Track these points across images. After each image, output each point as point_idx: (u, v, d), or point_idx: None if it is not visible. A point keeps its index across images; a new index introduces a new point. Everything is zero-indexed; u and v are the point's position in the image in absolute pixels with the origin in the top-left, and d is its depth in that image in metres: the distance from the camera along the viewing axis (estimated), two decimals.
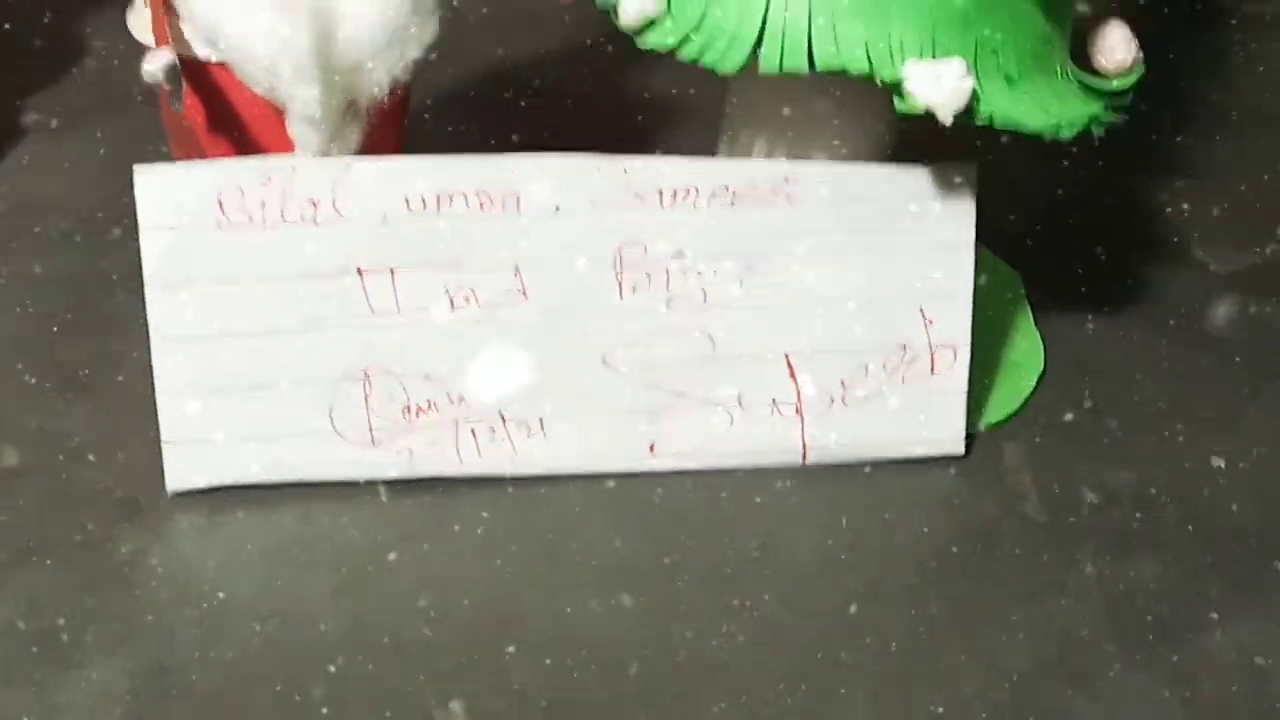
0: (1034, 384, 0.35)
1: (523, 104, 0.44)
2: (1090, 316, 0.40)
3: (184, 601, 0.27)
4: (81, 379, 0.33)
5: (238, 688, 0.26)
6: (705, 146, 0.34)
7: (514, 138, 0.39)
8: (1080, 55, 0.31)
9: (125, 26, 0.56)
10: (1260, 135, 0.55)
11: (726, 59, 0.27)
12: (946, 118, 0.27)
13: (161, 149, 0.43)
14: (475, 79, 0.45)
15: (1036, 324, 0.38)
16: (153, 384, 0.30)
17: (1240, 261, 0.45)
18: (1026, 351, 0.36)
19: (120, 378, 0.33)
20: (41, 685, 0.26)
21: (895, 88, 0.27)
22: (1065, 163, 0.47)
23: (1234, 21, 0.72)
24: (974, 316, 0.31)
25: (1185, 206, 0.48)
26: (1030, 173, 0.43)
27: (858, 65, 0.27)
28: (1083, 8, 0.31)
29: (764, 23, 0.27)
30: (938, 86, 0.26)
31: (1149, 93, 0.56)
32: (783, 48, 0.27)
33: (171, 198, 0.27)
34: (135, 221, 0.39)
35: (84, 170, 0.45)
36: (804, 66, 0.27)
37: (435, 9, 0.31)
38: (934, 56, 0.27)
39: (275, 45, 0.29)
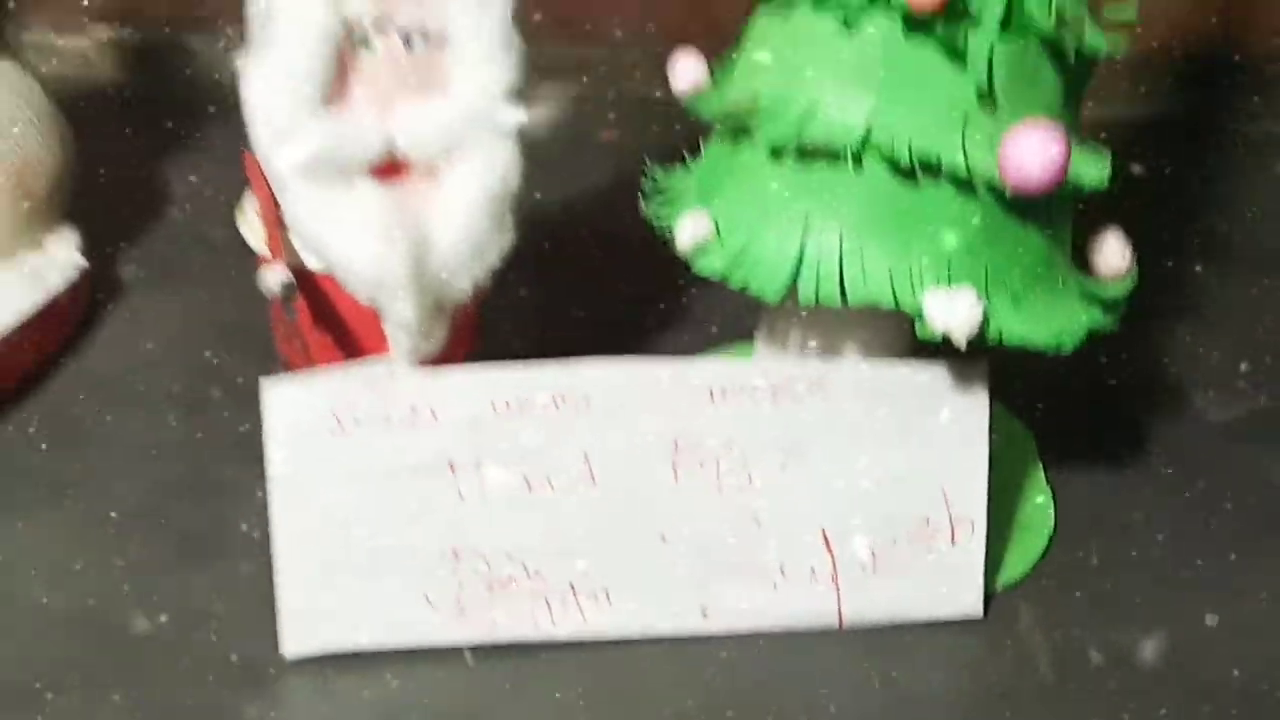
0: (1046, 543, 0.39)
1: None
2: (1097, 471, 0.43)
3: None
4: (197, 547, 0.37)
5: None
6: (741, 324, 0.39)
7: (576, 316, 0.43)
8: (1080, 259, 0.36)
9: (206, 174, 0.61)
10: (1263, 273, 0.59)
11: (768, 289, 0.31)
12: (961, 342, 0.31)
13: (245, 305, 0.47)
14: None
15: (1048, 480, 0.42)
16: (266, 551, 0.34)
17: (1240, 408, 0.48)
18: (1038, 511, 0.40)
19: (234, 544, 0.37)
20: None
21: (916, 315, 0.31)
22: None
23: (1237, 142, 0.76)
24: (989, 491, 0.35)
25: (1188, 350, 0.52)
26: None
27: (884, 298, 0.31)
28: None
29: (800, 258, 0.31)
30: (953, 314, 0.30)
31: (1156, 229, 0.60)
32: (818, 281, 0.31)
33: (293, 408, 0.31)
34: (230, 382, 0.44)
35: (179, 325, 0.50)
36: (837, 299, 0.31)
37: (508, 225, 0.36)
38: (950, 284, 0.31)
39: (378, 269, 0.34)
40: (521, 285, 0.45)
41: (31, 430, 0.42)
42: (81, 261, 0.47)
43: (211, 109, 0.69)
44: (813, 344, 0.35)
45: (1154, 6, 0.83)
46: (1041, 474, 0.41)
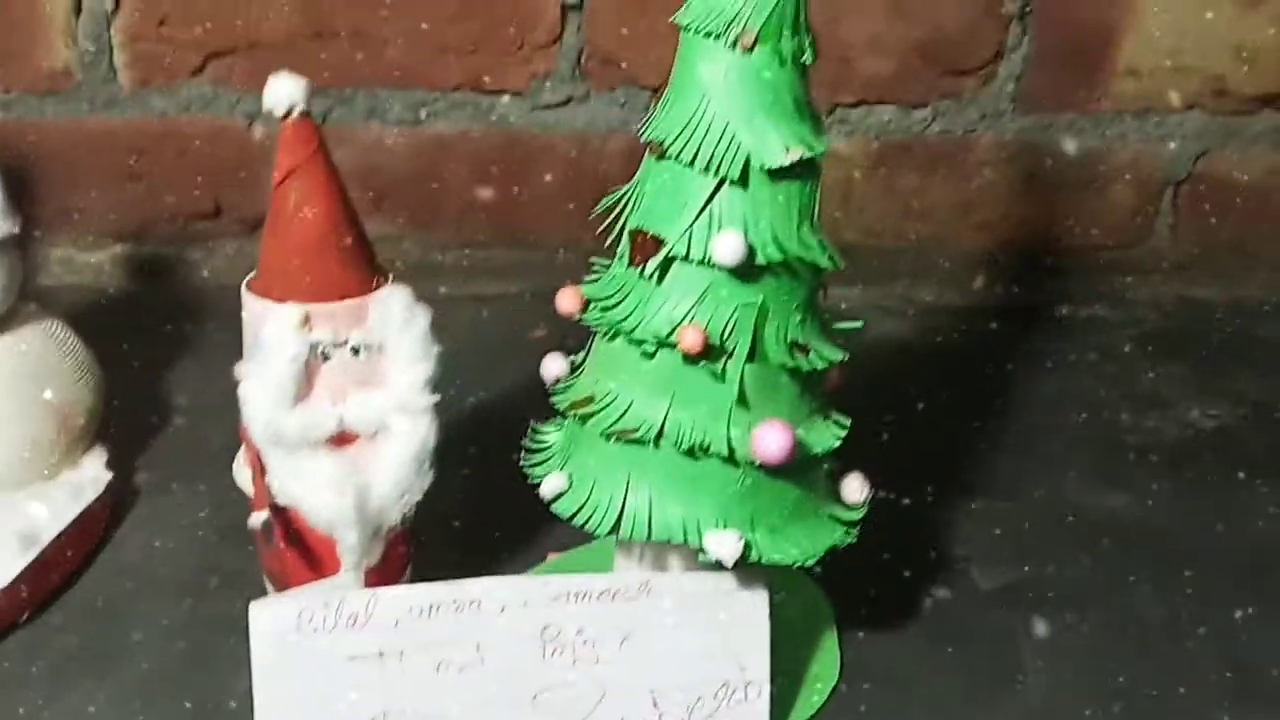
0: (828, 693, 0.52)
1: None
2: (884, 632, 0.57)
3: None
4: (203, 709, 0.50)
5: None
6: None
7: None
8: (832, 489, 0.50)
9: (207, 387, 0.75)
10: (1043, 456, 0.73)
11: (600, 529, 0.46)
12: (729, 564, 0.45)
13: (237, 505, 0.61)
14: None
15: (840, 639, 0.55)
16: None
17: (1004, 577, 0.62)
18: (826, 664, 0.53)
19: (234, 707, 0.50)
20: None
21: (700, 549, 0.45)
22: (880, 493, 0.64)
23: (1056, 322, 0.91)
24: (778, 652, 0.49)
25: (966, 528, 0.65)
26: None
27: (677, 537, 0.45)
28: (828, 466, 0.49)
29: (622, 508, 0.46)
30: (723, 549, 0.45)
31: (955, 413, 0.75)
32: (633, 525, 0.45)
33: (271, 621, 0.45)
34: (228, 572, 0.57)
35: (185, 523, 0.63)
36: (646, 537, 0.45)
37: (427, 472, 0.50)
38: (723, 527, 0.45)
39: (332, 513, 0.48)
40: (454, 486, 0.59)
41: (76, 614, 0.55)
42: (108, 475, 0.61)
43: (209, 319, 0.84)
44: (649, 557, 0.49)
45: (980, 207, 1.01)
46: (835, 634, 0.54)
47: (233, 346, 0.83)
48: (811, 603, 0.55)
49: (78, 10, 0.84)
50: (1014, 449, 0.72)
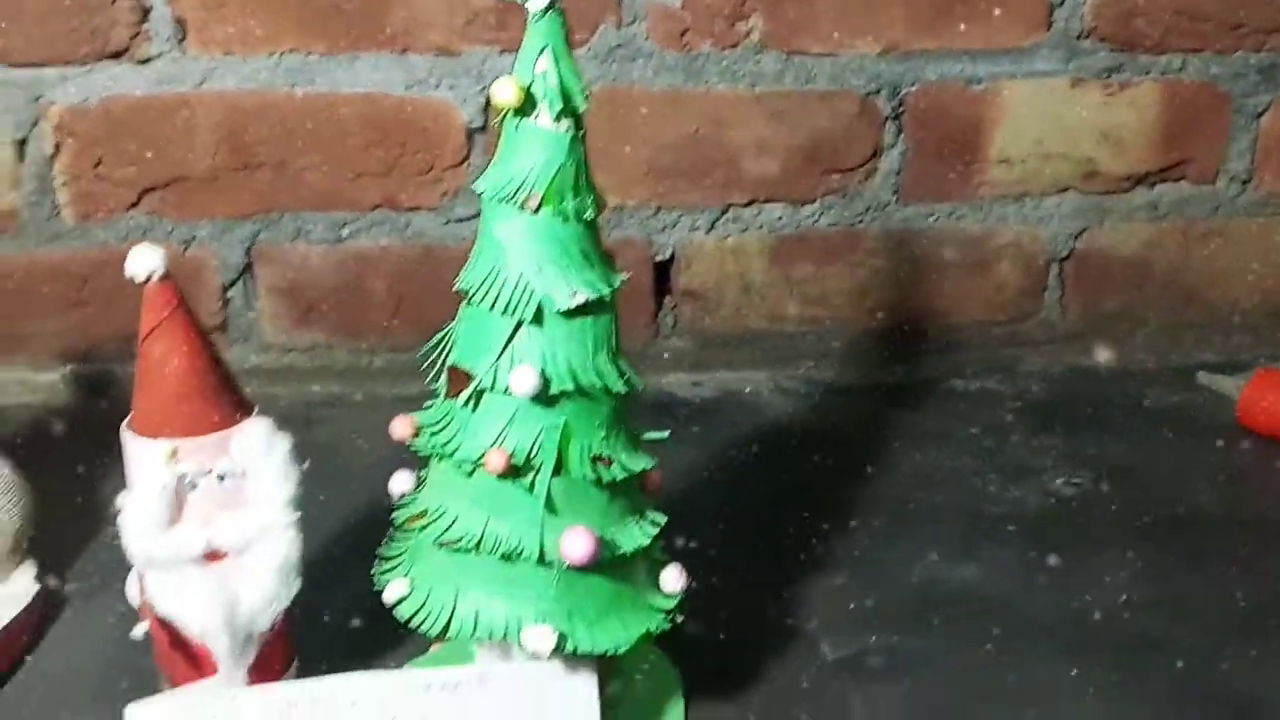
0: None
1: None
2: (729, 701, 0.62)
3: None
4: None
5: None
6: None
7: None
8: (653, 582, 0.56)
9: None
10: (907, 530, 0.78)
11: (433, 631, 0.52)
12: (544, 657, 0.51)
13: None
14: None
15: (686, 708, 0.61)
16: None
17: (853, 646, 0.67)
18: None
19: None
20: None
21: (519, 644, 0.51)
22: (734, 572, 0.69)
23: (946, 396, 0.97)
24: None
25: (815, 600, 0.71)
26: (701, 589, 0.60)
27: (499, 635, 0.51)
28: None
29: (452, 609, 0.52)
30: (537, 644, 0.51)
31: (831, 489, 0.80)
32: (462, 627, 0.52)
33: (143, 717, 0.51)
34: (142, 675, 0.63)
35: (108, 631, 0.68)
36: (471, 635, 0.51)
37: (293, 581, 0.56)
38: (540, 623, 0.51)
39: (203, 625, 0.54)
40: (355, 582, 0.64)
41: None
42: (35, 587, 0.68)
43: None
44: (496, 650, 0.55)
45: (874, 291, 1.08)
46: (680, 704, 0.60)
47: None
48: (662, 678, 0.61)
49: (21, 156, 0.92)
50: (880, 524, 0.78)
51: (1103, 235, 1.04)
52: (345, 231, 0.96)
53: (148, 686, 0.62)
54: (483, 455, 0.51)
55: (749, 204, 0.99)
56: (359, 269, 0.97)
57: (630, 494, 0.54)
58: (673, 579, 0.55)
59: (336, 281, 0.97)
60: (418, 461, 0.55)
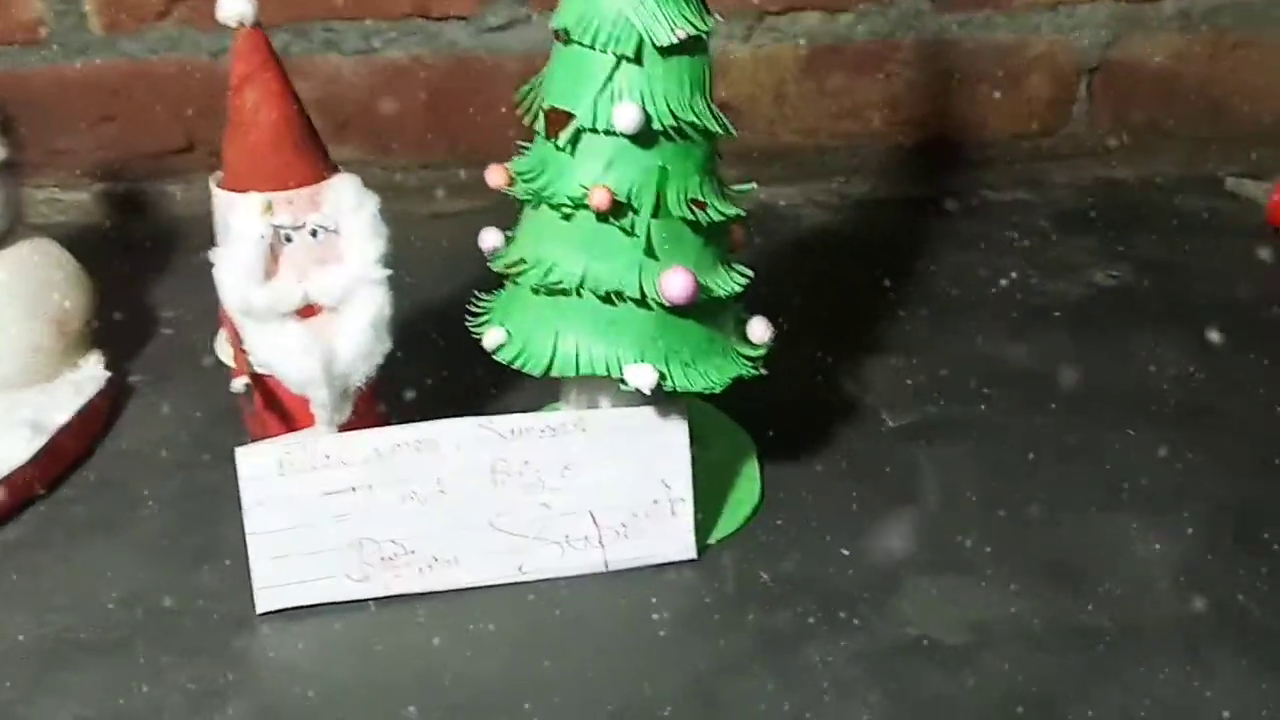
0: (750, 514, 0.60)
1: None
2: (800, 464, 0.64)
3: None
4: (206, 554, 0.58)
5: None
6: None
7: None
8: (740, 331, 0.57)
9: (189, 302, 0.81)
10: (953, 319, 0.80)
11: (536, 370, 0.53)
12: (647, 391, 0.52)
13: (218, 397, 0.68)
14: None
15: (761, 470, 0.63)
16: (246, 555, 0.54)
17: (909, 416, 0.69)
18: (749, 491, 0.61)
19: (225, 549, 0.57)
20: None
21: (621, 381, 0.52)
22: (791, 357, 0.70)
23: (978, 207, 0.98)
24: (703, 477, 0.56)
25: (874, 374, 0.73)
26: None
27: (600, 371, 0.52)
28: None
29: (553, 350, 0.53)
30: (641, 379, 0.52)
31: (875, 286, 0.82)
32: (563, 362, 0.52)
33: (255, 465, 0.52)
34: (218, 450, 0.64)
35: (176, 414, 0.70)
36: (574, 372, 0.52)
37: (385, 339, 0.57)
38: (640, 362, 0.52)
39: (302, 372, 0.55)
40: (422, 362, 0.66)
41: (85, 490, 0.62)
42: (106, 374, 0.68)
43: (187, 245, 0.90)
44: (583, 401, 0.57)
45: (906, 104, 1.08)
46: (756, 465, 0.62)
47: (206, 269, 0.90)
48: (738, 443, 0.63)
49: None
50: (927, 314, 0.80)
51: (1133, 45, 1.03)
52: (376, 42, 0.94)
53: (224, 458, 0.63)
54: (583, 196, 0.51)
55: (784, 12, 0.98)
56: (391, 81, 0.95)
57: (721, 242, 0.54)
58: (760, 330, 0.56)
59: (368, 95, 0.96)
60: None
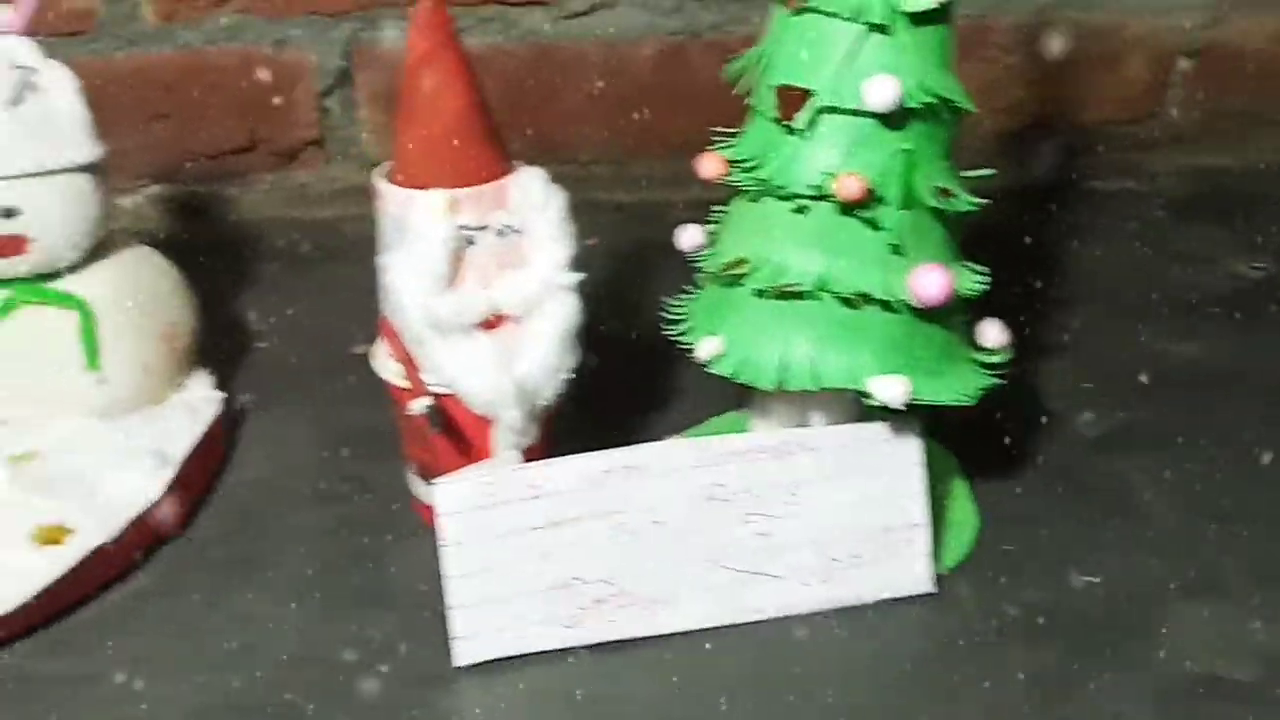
0: (974, 536, 0.54)
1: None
2: (1005, 479, 0.59)
3: None
4: (373, 598, 0.51)
5: None
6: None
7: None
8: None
9: (276, 313, 0.74)
10: (1108, 314, 0.75)
11: (764, 383, 0.47)
12: (897, 404, 0.46)
13: (337, 413, 0.61)
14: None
15: (971, 489, 0.57)
16: (426, 597, 0.48)
17: (1104, 425, 0.64)
18: (965, 512, 0.55)
19: (398, 594, 0.51)
20: None
21: (864, 395, 0.46)
22: None
23: (1088, 196, 0.93)
24: (929, 502, 0.50)
25: (1064, 381, 0.67)
26: None
27: (842, 383, 0.46)
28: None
29: (781, 361, 0.47)
30: (889, 393, 0.46)
31: (1011, 280, 0.76)
32: (798, 375, 0.46)
33: (455, 498, 0.46)
34: (361, 479, 0.57)
35: (296, 436, 0.63)
36: (811, 387, 0.46)
37: (575, 350, 0.50)
38: (884, 373, 0.46)
39: (493, 391, 0.48)
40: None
41: (221, 528, 0.55)
42: (219, 395, 0.61)
43: (254, 253, 0.83)
44: (791, 417, 0.51)
45: (1002, 89, 1.02)
46: (965, 485, 0.56)
47: (285, 277, 0.82)
48: (940, 457, 0.57)
49: None
50: (1078, 309, 0.74)
51: (1232, 28, 0.99)
52: None
53: (368, 487, 0.57)
54: (823, 185, 0.45)
55: None
56: None
57: (957, 235, 0.49)
58: (994, 333, 0.50)
59: None
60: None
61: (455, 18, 0.48)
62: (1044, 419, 0.63)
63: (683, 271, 0.53)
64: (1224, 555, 0.53)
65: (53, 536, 0.50)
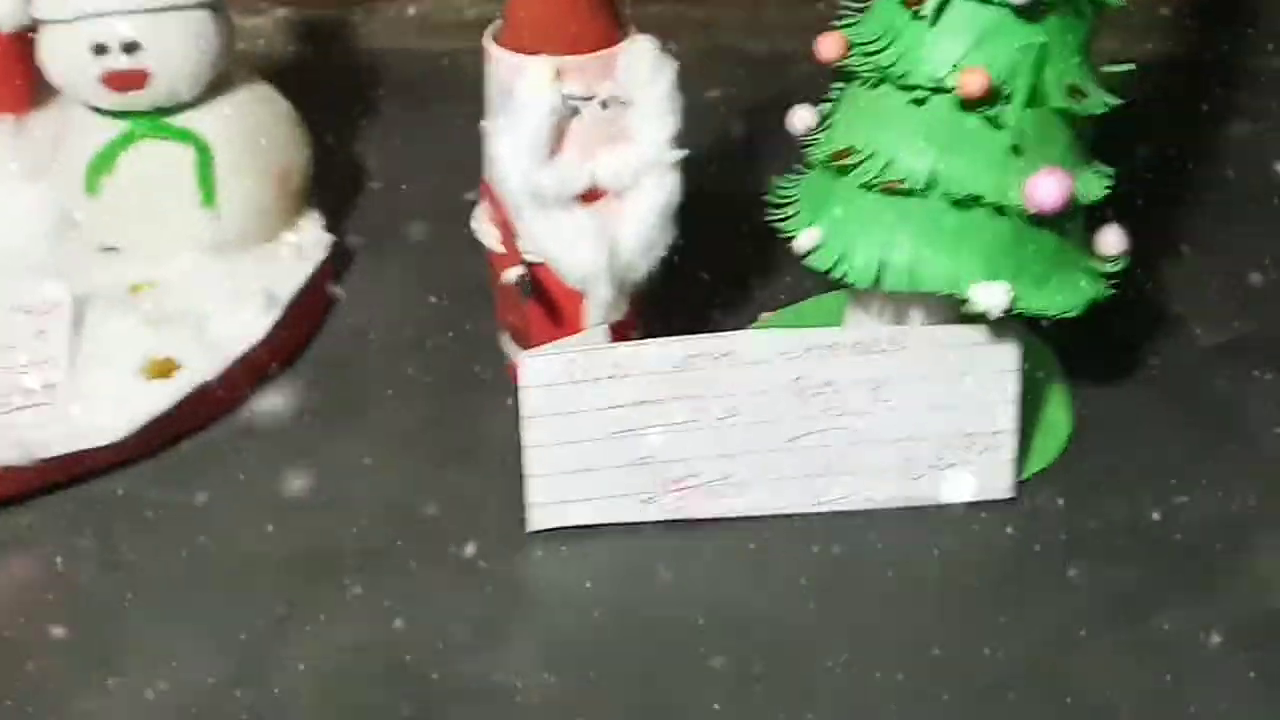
0: (1065, 442, 0.53)
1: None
2: (1108, 384, 0.57)
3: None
4: (460, 455, 0.53)
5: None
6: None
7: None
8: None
9: (392, 152, 0.75)
10: (1245, 214, 0.70)
11: (861, 281, 0.46)
12: (997, 314, 0.45)
13: (448, 264, 0.61)
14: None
15: (1068, 391, 0.55)
16: (508, 457, 0.49)
17: (1224, 334, 0.61)
18: (1058, 415, 0.54)
19: (483, 452, 0.52)
20: None
21: (964, 300, 0.45)
22: None
23: (1262, 78, 0.86)
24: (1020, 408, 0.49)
25: (1184, 285, 0.64)
26: None
27: (943, 289, 0.45)
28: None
29: (881, 260, 0.45)
30: (992, 300, 0.44)
31: (1152, 168, 0.71)
32: (895, 277, 0.45)
33: (540, 371, 0.46)
34: (456, 329, 0.58)
35: (403, 285, 0.63)
36: (909, 288, 0.45)
37: (671, 229, 0.50)
38: (989, 279, 0.45)
39: (588, 266, 0.48)
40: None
41: (322, 371, 0.57)
42: (330, 237, 0.62)
43: (377, 85, 0.83)
44: (889, 312, 0.49)
45: None
46: (1063, 386, 0.54)
47: (403, 113, 0.82)
48: (1040, 355, 0.55)
49: None
50: (1217, 206, 0.70)
51: None
52: None
53: (468, 341, 0.58)
54: (944, 77, 0.43)
55: None
56: None
57: (1087, 136, 0.46)
58: (1113, 240, 0.48)
59: None
60: None
61: None
62: (1161, 321, 0.61)
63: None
64: None
65: (162, 370, 0.52)
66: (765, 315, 0.59)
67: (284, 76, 0.83)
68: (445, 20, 0.89)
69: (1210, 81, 0.84)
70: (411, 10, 0.89)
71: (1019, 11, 0.42)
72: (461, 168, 0.64)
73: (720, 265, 0.61)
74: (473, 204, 0.55)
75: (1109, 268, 0.48)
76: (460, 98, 0.80)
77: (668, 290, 0.53)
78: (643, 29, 0.49)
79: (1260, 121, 0.79)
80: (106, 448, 0.50)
